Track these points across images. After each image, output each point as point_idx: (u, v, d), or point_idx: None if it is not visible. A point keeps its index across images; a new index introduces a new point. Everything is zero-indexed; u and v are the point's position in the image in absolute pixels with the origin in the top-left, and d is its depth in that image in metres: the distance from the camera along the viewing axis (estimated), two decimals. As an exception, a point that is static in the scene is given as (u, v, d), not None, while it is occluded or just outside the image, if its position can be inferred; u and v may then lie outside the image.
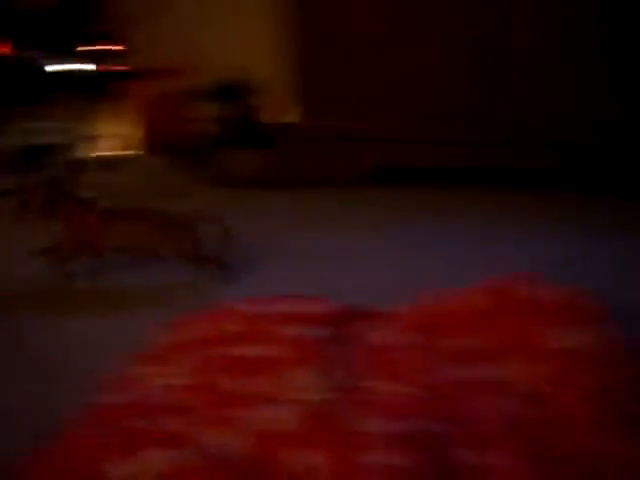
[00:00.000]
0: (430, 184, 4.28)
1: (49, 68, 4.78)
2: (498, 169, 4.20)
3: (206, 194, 4.50)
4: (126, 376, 1.90)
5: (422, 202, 4.03)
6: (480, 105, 4.23)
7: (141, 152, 5.55)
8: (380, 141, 4.51)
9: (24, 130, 4.70)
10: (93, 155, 5.15)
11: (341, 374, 1.87)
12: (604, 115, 4.00)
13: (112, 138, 5.46)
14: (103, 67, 5.13)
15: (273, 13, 4.85)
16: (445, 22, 4.25)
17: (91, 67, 5.07)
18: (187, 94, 5.33)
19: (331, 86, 4.63)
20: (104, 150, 5.35)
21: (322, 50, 4.59)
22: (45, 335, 2.30)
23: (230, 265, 2.82)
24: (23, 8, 4.92)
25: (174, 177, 4.95)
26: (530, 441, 1.54)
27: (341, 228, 3.54)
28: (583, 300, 2.01)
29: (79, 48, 4.96)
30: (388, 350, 1.99)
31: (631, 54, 3.94)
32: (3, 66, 4.71)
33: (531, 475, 1.44)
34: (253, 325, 2.13)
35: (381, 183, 4.46)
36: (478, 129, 4.24)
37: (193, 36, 5.43)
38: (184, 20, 5.52)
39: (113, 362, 1.94)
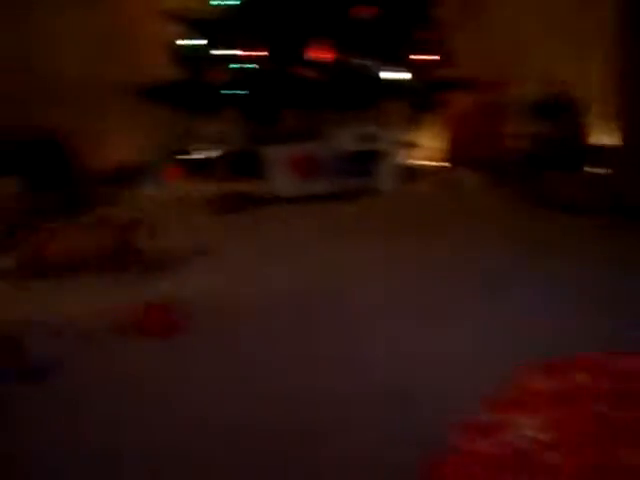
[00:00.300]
0: None
1: (379, 76, 4.82)
2: None
3: (513, 214, 4.28)
4: (488, 421, 1.72)
5: None
6: None
7: (446, 164, 5.46)
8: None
9: (352, 134, 4.78)
10: (405, 164, 5.15)
11: None
12: None
13: (421, 147, 5.42)
14: (421, 76, 5.08)
15: (605, 29, 4.49)
16: None
17: (409, 75, 5.03)
18: (503, 107, 5.15)
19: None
20: (412, 159, 5.33)
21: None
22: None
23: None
24: (350, 17, 5.01)
25: (481, 193, 4.77)
26: None
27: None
28: None
29: (405, 56, 4.94)
30: None
31: None
32: (334, 71, 4.82)
33: None
34: (629, 384, 1.85)
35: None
36: None
37: (515, 45, 5.25)
38: (505, 29, 5.35)
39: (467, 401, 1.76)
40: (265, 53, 4.97)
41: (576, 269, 2.94)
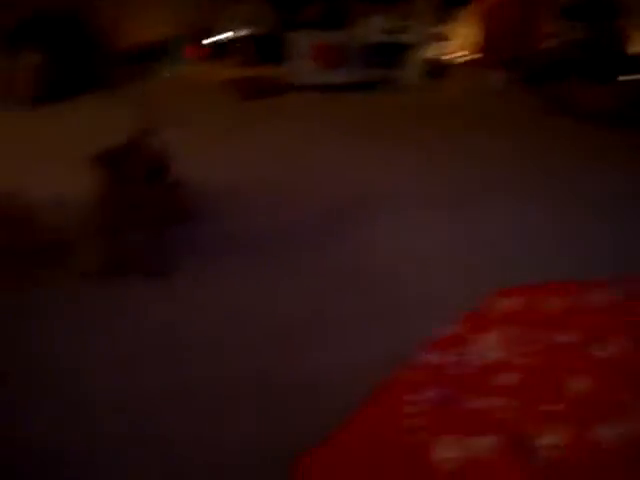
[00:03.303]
0: None
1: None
2: None
3: (530, 122, 4.10)
4: (447, 337, 1.81)
5: None
6: None
7: (478, 56, 5.22)
8: None
9: (380, 26, 4.66)
10: (433, 58, 5.01)
11: None
12: None
13: (452, 41, 5.23)
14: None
15: None
16: None
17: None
18: (540, 3, 4.87)
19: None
20: (441, 53, 5.16)
21: None
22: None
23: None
24: None
25: (505, 97, 4.61)
26: None
27: None
28: None
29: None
30: None
31: None
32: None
33: None
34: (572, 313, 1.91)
35: None
36: None
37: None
38: None
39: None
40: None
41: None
